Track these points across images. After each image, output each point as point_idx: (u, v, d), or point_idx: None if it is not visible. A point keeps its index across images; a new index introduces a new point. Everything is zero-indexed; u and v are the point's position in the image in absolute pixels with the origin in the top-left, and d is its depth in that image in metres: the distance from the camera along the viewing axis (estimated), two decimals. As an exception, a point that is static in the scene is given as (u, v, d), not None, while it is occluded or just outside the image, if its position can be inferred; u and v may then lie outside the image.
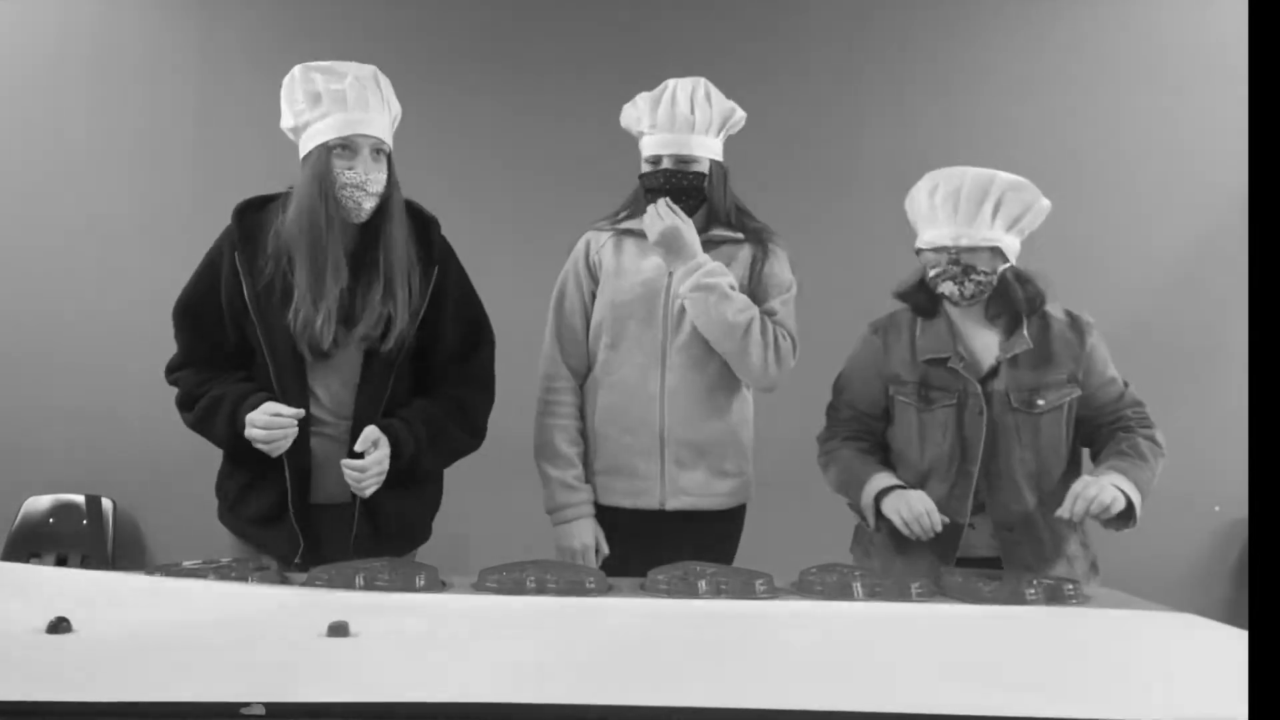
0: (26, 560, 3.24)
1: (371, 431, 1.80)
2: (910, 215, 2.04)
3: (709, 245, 2.06)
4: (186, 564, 1.67)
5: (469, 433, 1.96)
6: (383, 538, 1.89)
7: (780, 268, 2.12)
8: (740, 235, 2.09)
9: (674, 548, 1.89)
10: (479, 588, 1.63)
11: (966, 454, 1.96)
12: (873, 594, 1.64)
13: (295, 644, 1.24)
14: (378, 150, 1.82)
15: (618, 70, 3.34)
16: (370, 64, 1.88)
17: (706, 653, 1.26)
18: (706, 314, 2.00)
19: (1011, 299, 1.95)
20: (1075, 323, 2.00)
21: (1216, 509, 3.43)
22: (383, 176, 1.83)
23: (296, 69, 1.83)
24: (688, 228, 2.01)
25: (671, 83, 2.07)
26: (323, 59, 1.84)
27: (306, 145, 1.82)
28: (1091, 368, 1.97)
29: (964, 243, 1.92)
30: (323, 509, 1.87)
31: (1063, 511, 1.81)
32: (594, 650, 1.26)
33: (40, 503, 3.35)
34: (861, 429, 2.10)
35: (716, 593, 1.62)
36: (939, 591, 1.70)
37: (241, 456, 1.85)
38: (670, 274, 2.05)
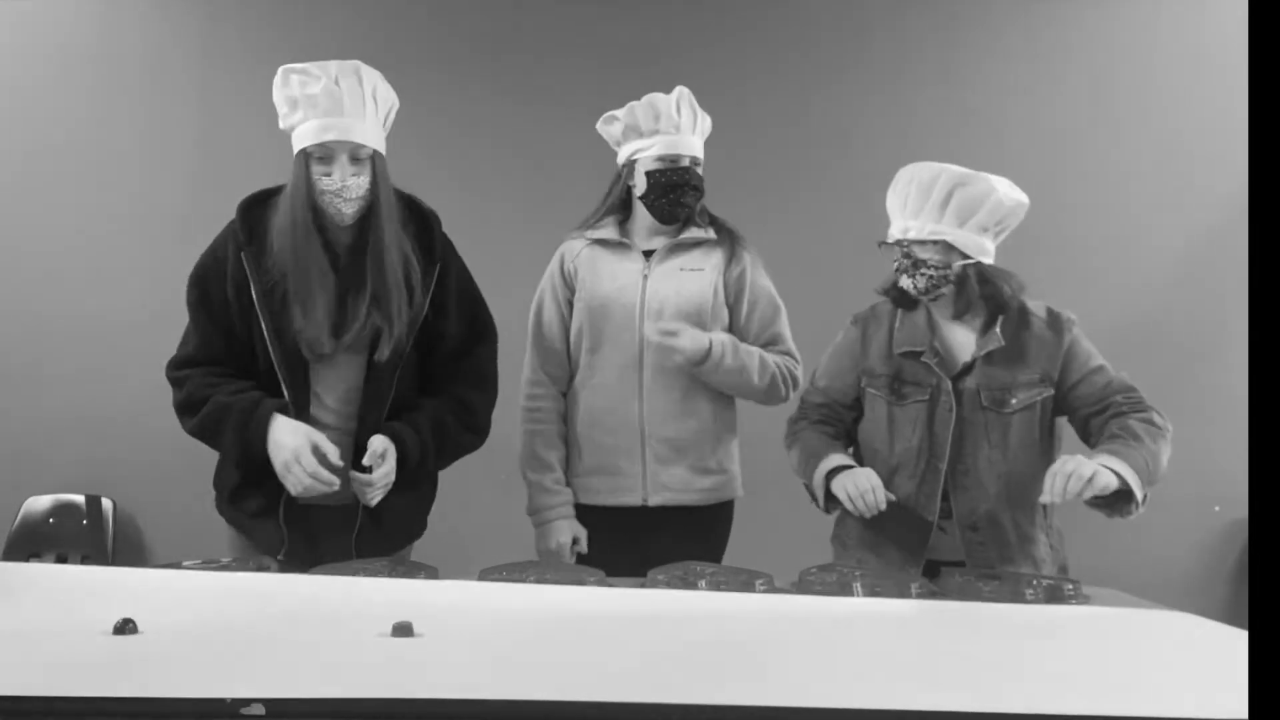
0: (26, 560, 3.24)
1: (379, 443, 1.78)
2: None
3: (686, 246, 2.15)
4: (186, 564, 1.67)
5: (473, 432, 1.96)
6: (384, 535, 1.90)
7: (763, 278, 2.19)
8: (713, 235, 2.16)
9: (656, 542, 1.93)
10: (479, 588, 1.63)
11: (935, 450, 1.95)
12: (873, 594, 1.64)
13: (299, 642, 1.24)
14: (356, 155, 1.78)
15: (618, 67, 3.36)
16: (357, 58, 1.83)
17: (706, 651, 1.26)
18: (736, 387, 2.13)
19: (969, 296, 1.94)
20: (1054, 320, 1.97)
21: (1216, 509, 3.43)
22: (363, 180, 1.79)
23: (279, 71, 1.81)
24: (691, 334, 2.03)
25: (683, 91, 2.14)
26: (323, 55, 1.83)
27: (294, 147, 1.81)
28: (1071, 363, 1.94)
29: (910, 235, 1.92)
30: (321, 508, 1.87)
31: (1044, 494, 1.73)
32: (594, 649, 1.26)
33: (40, 503, 3.35)
34: (830, 415, 2.11)
35: (715, 592, 1.62)
36: (938, 591, 1.69)
37: (245, 465, 1.83)
38: (645, 276, 2.13)
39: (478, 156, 3.41)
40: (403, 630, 1.25)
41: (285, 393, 1.81)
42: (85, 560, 3.27)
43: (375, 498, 1.81)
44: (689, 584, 1.64)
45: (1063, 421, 2.01)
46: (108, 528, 3.33)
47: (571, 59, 3.45)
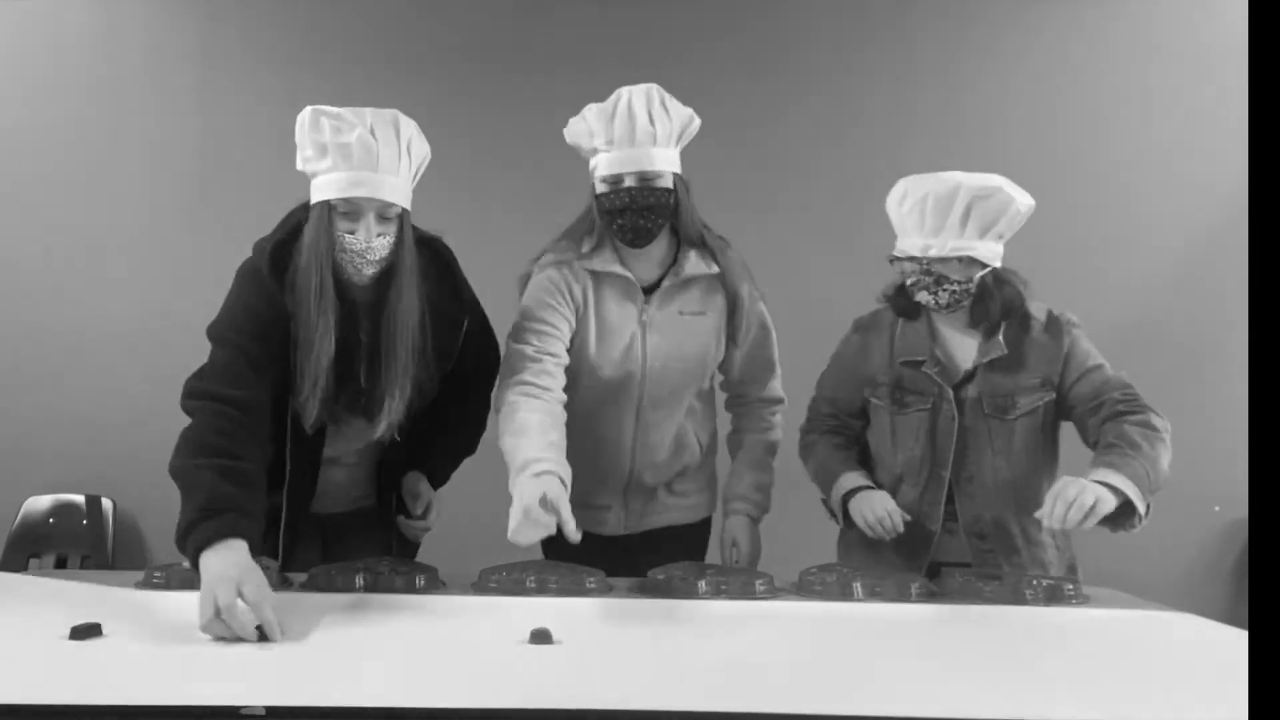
0: (26, 561, 3.25)
1: (427, 492, 1.86)
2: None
3: (679, 287, 1.95)
4: (186, 564, 1.67)
5: (473, 444, 1.97)
6: (405, 543, 1.92)
7: (759, 305, 2.03)
8: (715, 270, 1.95)
9: (641, 560, 1.84)
10: (479, 588, 1.63)
11: (938, 459, 1.94)
12: (873, 594, 1.64)
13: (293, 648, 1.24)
14: (384, 214, 1.64)
15: (619, 68, 3.35)
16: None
17: (706, 652, 1.26)
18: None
19: (988, 304, 1.92)
20: (1054, 323, 1.95)
21: (1216, 509, 3.42)
22: (388, 240, 1.65)
23: (307, 112, 1.65)
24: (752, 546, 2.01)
25: (624, 92, 1.88)
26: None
27: (315, 195, 1.65)
28: (1070, 364, 1.92)
29: (933, 253, 1.87)
30: (337, 516, 1.89)
31: (1043, 518, 1.66)
32: (594, 649, 1.26)
33: (40, 503, 3.35)
34: (839, 425, 2.11)
35: (716, 593, 1.62)
36: (939, 592, 1.69)
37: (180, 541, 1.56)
38: (644, 325, 1.94)
39: (478, 157, 3.40)
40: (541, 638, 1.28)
41: (290, 447, 1.75)
42: (85, 560, 3.27)
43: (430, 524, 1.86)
44: (689, 584, 1.63)
45: (1066, 425, 2.00)
46: (108, 528, 3.32)
47: (571, 60, 3.44)
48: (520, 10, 3.46)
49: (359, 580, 1.61)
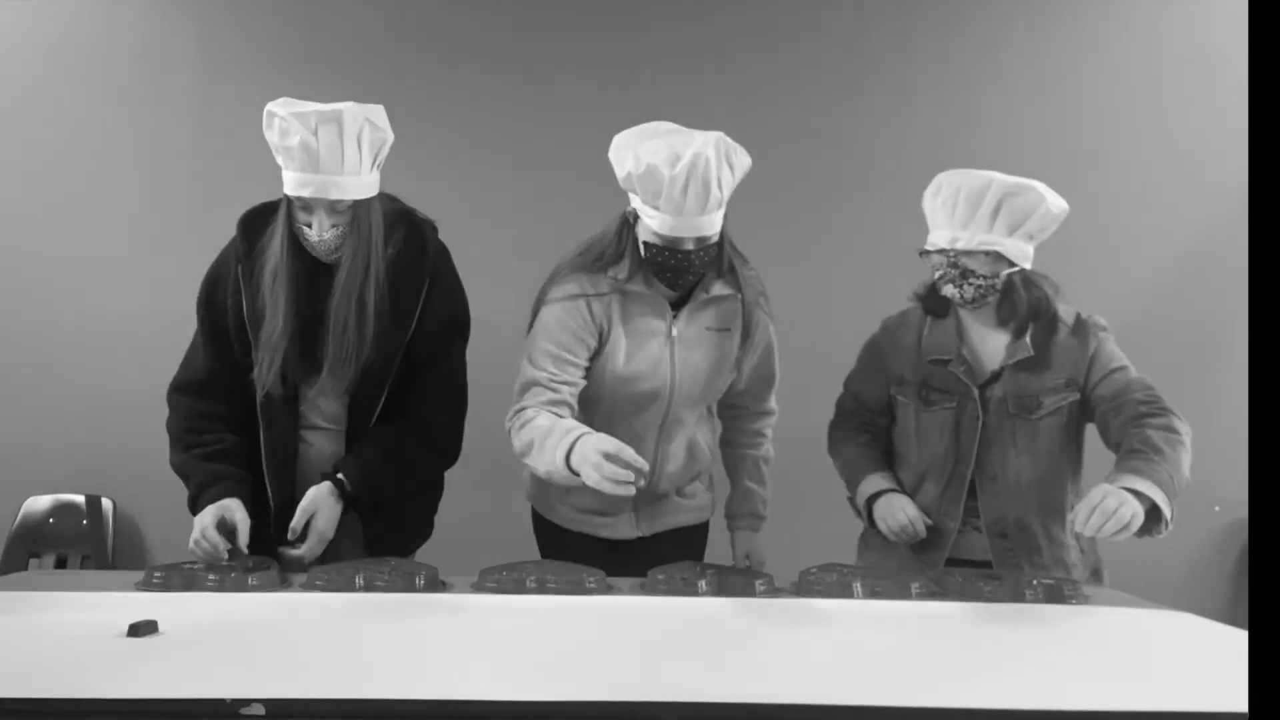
0: (26, 561, 3.25)
1: (298, 519, 1.79)
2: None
3: (707, 304, 1.96)
4: (188, 565, 1.68)
5: (435, 454, 1.96)
6: (394, 540, 1.92)
7: (767, 318, 2.03)
8: (732, 292, 1.96)
9: (644, 560, 1.84)
10: (479, 588, 1.63)
11: (961, 457, 1.95)
12: (873, 594, 1.64)
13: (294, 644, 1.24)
14: (334, 207, 1.78)
15: (620, 70, 3.35)
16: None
17: (706, 651, 1.26)
18: None
19: (1016, 304, 1.94)
20: (1081, 326, 1.96)
21: (1216, 509, 3.42)
22: (340, 231, 1.80)
23: (266, 109, 1.79)
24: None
25: (701, 154, 1.75)
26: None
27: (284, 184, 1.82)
28: (1095, 365, 1.93)
29: (960, 245, 1.89)
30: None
31: (1077, 525, 1.65)
32: (594, 649, 1.26)
33: (40, 503, 3.34)
34: (864, 422, 2.13)
35: (717, 593, 1.62)
36: (939, 591, 1.69)
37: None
38: (672, 340, 1.94)
39: (477, 155, 3.40)
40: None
41: (260, 415, 1.87)
42: (85, 560, 3.27)
43: (313, 556, 1.81)
44: (689, 584, 1.64)
45: (1089, 428, 2.00)
46: (108, 528, 3.32)
47: (572, 59, 3.44)
48: (521, 8, 3.46)
49: (358, 580, 1.61)
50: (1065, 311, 1.98)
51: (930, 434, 1.98)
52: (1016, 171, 1.97)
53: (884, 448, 2.11)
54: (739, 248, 2.01)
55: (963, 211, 1.89)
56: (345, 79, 3.11)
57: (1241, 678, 1.15)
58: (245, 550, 1.74)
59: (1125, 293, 3.36)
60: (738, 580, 1.66)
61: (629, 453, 1.61)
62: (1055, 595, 1.66)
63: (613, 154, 1.87)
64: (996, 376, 1.96)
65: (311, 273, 1.84)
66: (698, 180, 1.75)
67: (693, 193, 1.76)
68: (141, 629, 1.27)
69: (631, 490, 1.60)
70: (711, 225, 1.82)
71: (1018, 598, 1.64)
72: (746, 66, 3.41)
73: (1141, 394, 1.88)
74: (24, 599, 1.51)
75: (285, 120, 1.74)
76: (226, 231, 1.92)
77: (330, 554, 1.84)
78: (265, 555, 1.77)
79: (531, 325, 1.96)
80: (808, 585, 1.69)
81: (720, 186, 1.79)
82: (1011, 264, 1.91)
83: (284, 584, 1.65)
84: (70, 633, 1.28)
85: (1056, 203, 1.91)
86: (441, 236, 1.97)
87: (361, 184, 1.80)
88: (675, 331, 1.95)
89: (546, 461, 1.73)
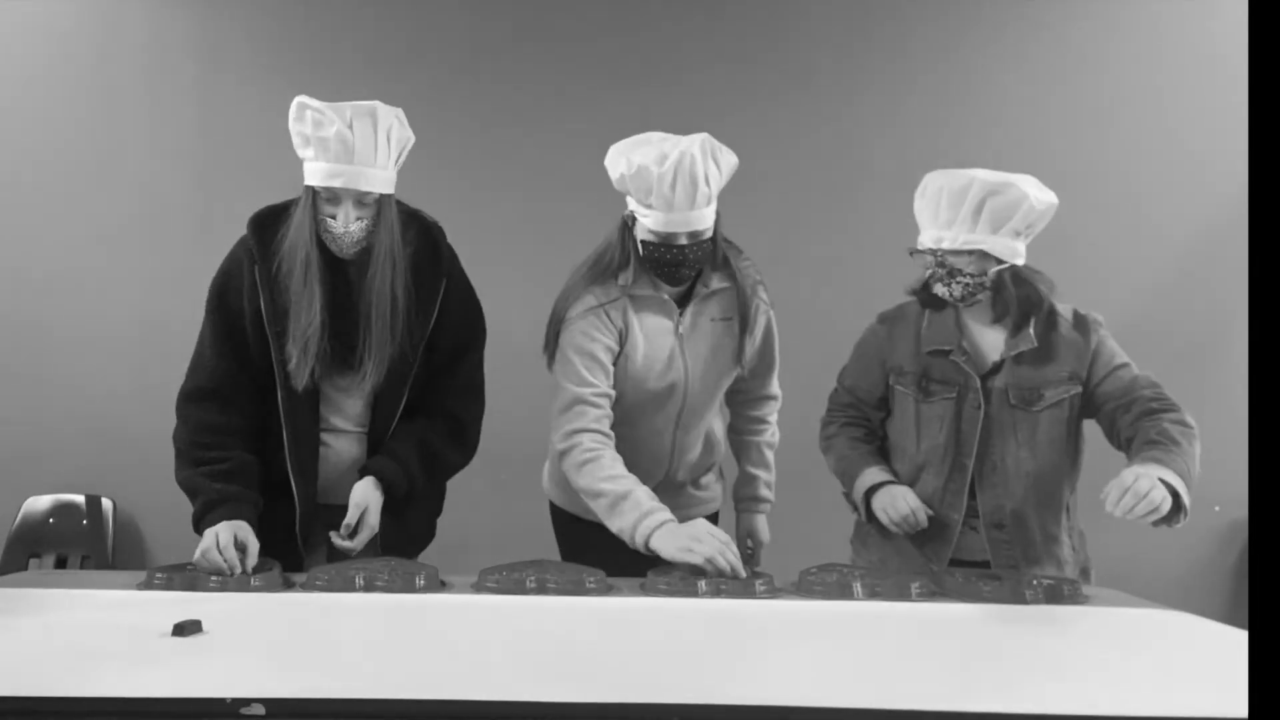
0: (26, 561, 3.25)
1: (353, 513, 1.80)
2: None
3: (708, 297, 2.03)
4: (190, 565, 1.67)
5: (461, 451, 1.98)
6: (409, 542, 1.95)
7: (766, 305, 2.09)
8: (734, 283, 2.04)
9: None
10: (479, 588, 1.63)
11: (961, 448, 1.96)
12: (873, 594, 1.64)
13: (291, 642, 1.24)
14: (362, 200, 1.81)
15: (620, 73, 3.35)
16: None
17: (706, 651, 1.27)
18: None
19: (1006, 300, 1.95)
20: (1081, 322, 1.97)
21: (1216, 509, 3.42)
22: (365, 224, 1.81)
23: (294, 103, 1.81)
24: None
25: (686, 153, 1.85)
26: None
27: (305, 178, 1.82)
28: (1097, 361, 1.94)
29: (945, 245, 1.90)
30: (334, 509, 1.87)
31: (1108, 505, 1.64)
32: (595, 649, 1.26)
33: (40, 503, 3.34)
34: (858, 416, 2.13)
35: (716, 593, 1.62)
36: (939, 591, 1.69)
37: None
38: (680, 335, 2.01)
39: (477, 154, 3.40)
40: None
41: (283, 415, 1.85)
42: (85, 560, 3.27)
43: (361, 547, 1.83)
44: (689, 584, 1.64)
45: (1088, 424, 2.01)
46: (108, 528, 3.32)
47: (572, 58, 3.44)
48: (522, 7, 3.46)
49: (359, 580, 1.61)
50: (1062, 307, 1.99)
51: (930, 424, 1.99)
52: (1017, 171, 1.97)
53: (878, 442, 2.11)
54: (743, 245, 2.08)
55: (946, 212, 1.90)
56: (346, 79, 3.11)
57: (1241, 678, 1.15)
58: (250, 573, 1.67)
59: (1125, 293, 3.36)
60: (737, 580, 1.66)
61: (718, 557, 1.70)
62: (1055, 595, 1.66)
63: (607, 161, 1.97)
64: (997, 368, 1.96)
65: (332, 268, 1.84)
66: (685, 176, 1.85)
67: (681, 188, 1.85)
68: (187, 628, 1.28)
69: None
70: (702, 220, 1.90)
71: (1018, 598, 1.64)
72: (747, 67, 3.41)
73: (1149, 390, 1.90)
74: (24, 598, 1.52)
75: (319, 112, 1.77)
76: (227, 231, 1.92)
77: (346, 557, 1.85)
78: (273, 561, 1.76)
79: (550, 344, 2.02)
80: (807, 585, 1.69)
81: (708, 183, 1.88)
82: (999, 261, 1.91)
83: (285, 584, 1.65)
84: (70, 632, 1.28)
85: (1041, 197, 1.90)
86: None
87: (387, 179, 1.83)
88: (682, 328, 2.02)
89: (617, 525, 1.82)
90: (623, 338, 2.00)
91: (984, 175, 1.90)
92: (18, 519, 3.31)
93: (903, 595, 1.64)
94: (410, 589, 1.61)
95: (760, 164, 3.33)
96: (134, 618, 1.37)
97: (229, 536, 1.68)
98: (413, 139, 1.89)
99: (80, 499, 3.34)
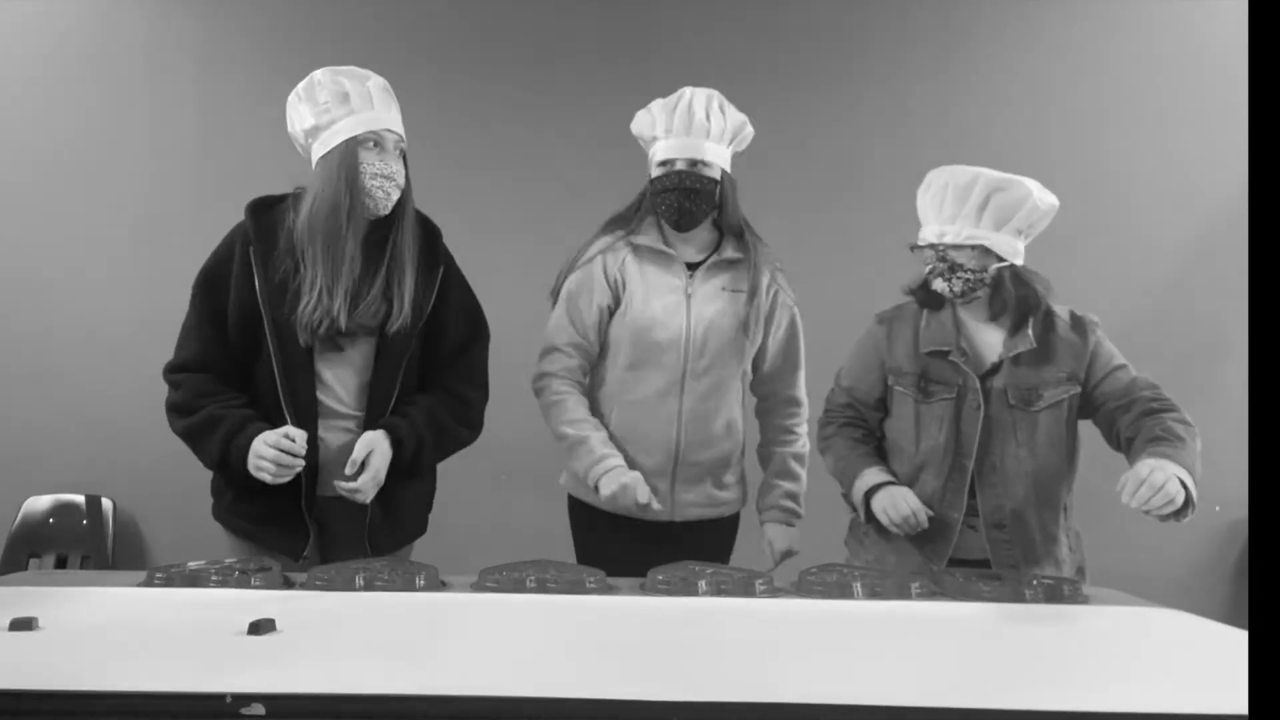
0: (26, 561, 3.25)
1: (360, 450, 1.81)
2: None
3: (722, 266, 2.12)
4: (192, 565, 1.67)
5: (468, 427, 1.99)
6: (395, 527, 1.94)
7: (790, 300, 2.18)
8: (746, 257, 2.13)
9: (675, 549, 1.93)
10: (479, 588, 1.63)
11: (961, 448, 1.96)
12: (873, 594, 1.64)
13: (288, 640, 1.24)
14: (399, 148, 1.89)
15: (620, 71, 3.36)
16: (357, 57, 1.97)
17: (706, 651, 1.27)
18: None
19: (1005, 298, 1.95)
20: (1079, 323, 1.98)
21: (1216, 509, 3.43)
22: (404, 172, 1.90)
23: (319, 72, 1.87)
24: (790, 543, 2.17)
25: (687, 91, 2.09)
26: (324, 55, 1.86)
27: (330, 142, 1.85)
28: (1096, 362, 1.95)
29: (947, 240, 1.92)
30: (329, 500, 1.87)
31: (1124, 497, 1.65)
32: (594, 649, 1.26)
33: (40, 503, 3.35)
34: (856, 416, 2.12)
35: (716, 593, 1.62)
36: (939, 591, 1.69)
37: (225, 475, 1.88)
38: (689, 295, 2.09)
39: (477, 154, 3.40)
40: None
41: (281, 393, 1.83)
42: (85, 560, 3.27)
43: (368, 496, 1.84)
44: (689, 584, 1.64)
45: (1084, 426, 2.01)
46: (108, 528, 3.32)
47: (573, 58, 3.45)
48: (524, 6, 3.46)
49: (359, 580, 1.61)
50: (1059, 309, 1.99)
51: (929, 425, 1.99)
52: (1016, 172, 1.97)
53: (876, 443, 2.11)
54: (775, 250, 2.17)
55: (950, 206, 1.92)
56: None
57: (1241, 678, 1.15)
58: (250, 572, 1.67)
59: (1124, 294, 3.36)
60: (737, 580, 1.66)
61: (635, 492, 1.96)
62: (1055, 595, 1.66)
63: (634, 124, 2.16)
64: (995, 369, 1.97)
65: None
66: (684, 106, 2.06)
67: (680, 114, 2.06)
68: (262, 627, 1.28)
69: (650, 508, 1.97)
70: (701, 150, 2.05)
71: (1017, 597, 1.64)
72: (750, 68, 3.42)
73: (1149, 391, 1.91)
74: (23, 596, 1.52)
75: (351, 72, 1.87)
76: (227, 231, 1.92)
77: (330, 548, 1.86)
78: (272, 561, 1.76)
79: (555, 293, 2.16)
80: (807, 585, 1.69)
81: (708, 118, 2.06)
82: (1000, 259, 1.91)
83: (285, 584, 1.65)
84: (72, 630, 1.28)
85: (1044, 198, 1.92)
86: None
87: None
88: (690, 289, 2.09)
89: (574, 467, 2.09)
90: (620, 288, 2.10)
91: (990, 172, 1.91)
92: (18, 519, 3.32)
93: (903, 595, 1.64)
94: (410, 588, 1.61)
95: (760, 164, 3.34)
96: (130, 615, 1.37)
97: (276, 436, 1.75)
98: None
99: (80, 499, 3.34)
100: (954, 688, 1.12)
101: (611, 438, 2.08)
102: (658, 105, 2.11)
